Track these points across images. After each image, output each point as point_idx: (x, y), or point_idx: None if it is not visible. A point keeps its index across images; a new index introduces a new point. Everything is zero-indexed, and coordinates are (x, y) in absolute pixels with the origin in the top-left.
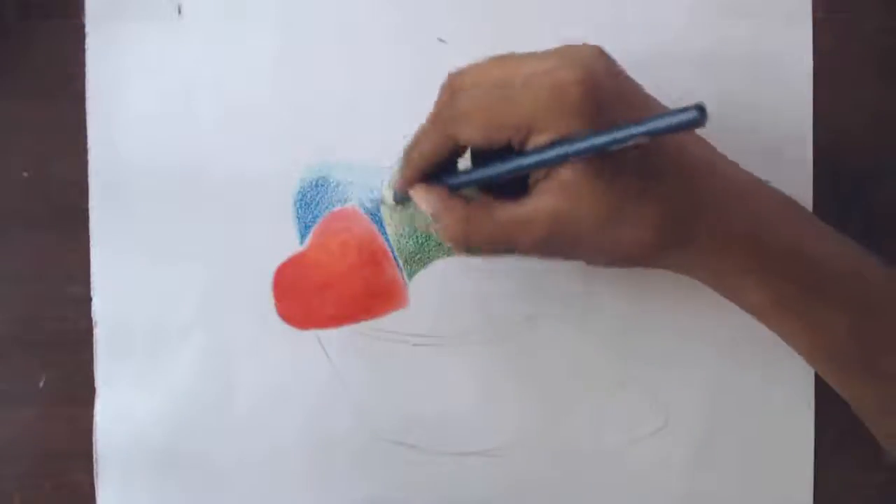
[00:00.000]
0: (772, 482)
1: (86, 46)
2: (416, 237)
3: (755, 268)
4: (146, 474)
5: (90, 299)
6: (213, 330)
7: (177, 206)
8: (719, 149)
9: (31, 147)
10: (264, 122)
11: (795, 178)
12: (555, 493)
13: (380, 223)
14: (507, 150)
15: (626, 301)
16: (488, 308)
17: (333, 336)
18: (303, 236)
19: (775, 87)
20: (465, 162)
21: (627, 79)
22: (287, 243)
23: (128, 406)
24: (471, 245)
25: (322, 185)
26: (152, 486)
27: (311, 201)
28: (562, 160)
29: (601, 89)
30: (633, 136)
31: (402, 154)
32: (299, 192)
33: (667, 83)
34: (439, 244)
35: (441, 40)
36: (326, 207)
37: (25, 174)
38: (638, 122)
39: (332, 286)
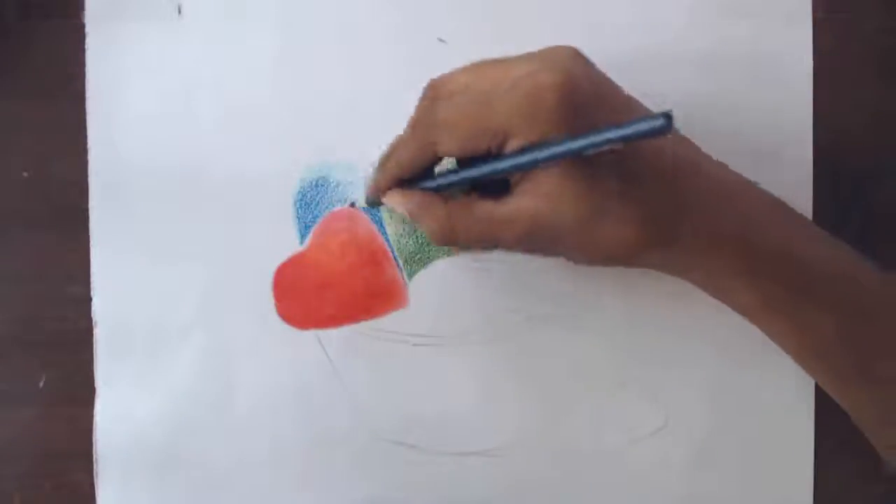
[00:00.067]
0: (772, 483)
1: (86, 46)
2: (416, 237)
3: (744, 269)
4: (146, 474)
5: (90, 299)
6: (213, 330)
7: (177, 206)
8: (719, 149)
9: (31, 147)
10: (264, 122)
11: (795, 179)
12: (555, 493)
13: (380, 223)
14: (487, 153)
15: (625, 301)
16: (488, 308)
17: (333, 336)
18: (303, 236)
19: (775, 87)
20: (445, 163)
21: (606, 80)
22: (287, 243)
23: (128, 406)
24: (453, 242)
25: (322, 185)
26: (152, 486)
27: (311, 201)
28: (535, 165)
29: (578, 93)
30: (605, 142)
31: (377, 161)
32: (299, 192)
33: (666, 83)
34: None
35: (441, 40)
36: (326, 207)
37: (25, 174)
38: (609, 128)
39: (332, 286)
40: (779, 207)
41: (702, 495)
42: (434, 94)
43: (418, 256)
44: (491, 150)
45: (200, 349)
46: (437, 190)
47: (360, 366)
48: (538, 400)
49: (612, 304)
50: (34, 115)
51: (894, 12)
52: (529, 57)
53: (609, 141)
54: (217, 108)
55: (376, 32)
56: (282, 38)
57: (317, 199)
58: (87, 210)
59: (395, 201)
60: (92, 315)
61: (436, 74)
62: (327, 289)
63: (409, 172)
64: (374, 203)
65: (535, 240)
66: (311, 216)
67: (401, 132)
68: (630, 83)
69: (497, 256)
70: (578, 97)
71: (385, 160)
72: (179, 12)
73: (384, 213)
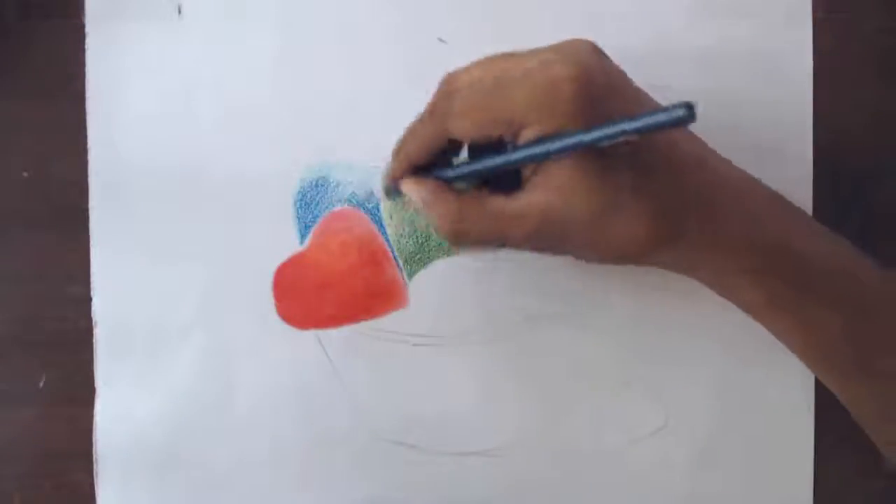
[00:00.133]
0: (772, 479)
1: (86, 46)
2: (416, 237)
3: (749, 267)
4: (146, 474)
5: (90, 299)
6: (213, 330)
7: (177, 206)
8: (719, 148)
9: (31, 147)
10: (264, 122)
11: (795, 178)
12: (555, 493)
13: (380, 223)
14: (502, 146)
15: (626, 300)
16: (488, 308)
17: (333, 336)
18: (303, 236)
19: (775, 86)
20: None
21: (620, 73)
22: (287, 243)
23: (128, 406)
24: (462, 235)
25: (322, 185)
26: (152, 486)
27: (311, 201)
28: (550, 156)
29: (594, 85)
30: (622, 133)
31: (394, 147)
32: (299, 192)
33: (667, 83)
34: (439, 244)
35: (441, 40)
36: (326, 207)
37: (25, 174)
38: (627, 119)
39: (332, 286)
40: (777, 201)
41: (702, 495)
42: (450, 86)
43: (418, 256)
44: (505, 139)
45: (200, 349)
46: (449, 181)
47: (360, 366)
48: (538, 400)
49: (619, 302)
50: (34, 115)
51: (894, 12)
52: (545, 49)
53: (626, 132)
54: (217, 108)
55: (376, 32)
56: (282, 38)
57: (317, 199)
58: (87, 210)
59: (410, 188)
60: (92, 315)
61: (436, 74)
62: (327, 289)
63: (424, 159)
64: (390, 192)
65: (545, 236)
66: (311, 216)
67: (401, 132)
68: None
69: (504, 255)
70: (594, 89)
71: (399, 148)
72: (179, 12)
73: (384, 213)
